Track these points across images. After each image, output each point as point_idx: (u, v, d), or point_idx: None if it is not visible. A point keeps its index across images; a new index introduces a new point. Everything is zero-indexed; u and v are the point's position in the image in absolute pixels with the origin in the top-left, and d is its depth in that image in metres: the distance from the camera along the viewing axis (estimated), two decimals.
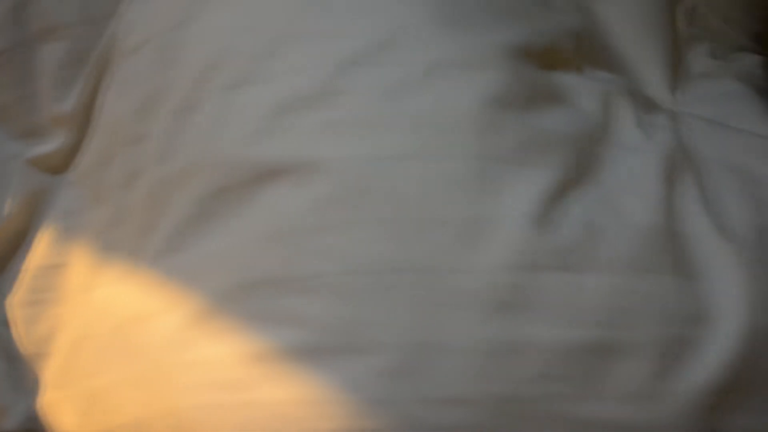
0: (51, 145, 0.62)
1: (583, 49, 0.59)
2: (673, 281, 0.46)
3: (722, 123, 0.59)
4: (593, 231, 0.46)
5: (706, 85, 0.66)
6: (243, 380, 0.45)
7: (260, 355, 0.45)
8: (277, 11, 0.53)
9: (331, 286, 0.45)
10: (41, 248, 0.58)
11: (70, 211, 0.59)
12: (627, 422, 0.43)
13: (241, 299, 0.46)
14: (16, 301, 0.57)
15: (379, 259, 0.45)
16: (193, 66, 0.53)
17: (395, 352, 0.43)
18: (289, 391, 0.44)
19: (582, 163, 0.49)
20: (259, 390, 0.44)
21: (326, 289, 0.45)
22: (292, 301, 0.45)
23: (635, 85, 0.62)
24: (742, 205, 0.50)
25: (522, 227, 0.45)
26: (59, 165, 0.62)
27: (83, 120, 0.61)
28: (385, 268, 0.45)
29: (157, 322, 0.48)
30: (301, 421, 0.43)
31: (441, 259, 0.44)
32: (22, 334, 0.56)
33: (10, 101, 0.63)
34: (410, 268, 0.44)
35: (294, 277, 0.46)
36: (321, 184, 0.47)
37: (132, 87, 0.57)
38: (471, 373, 0.43)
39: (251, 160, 0.48)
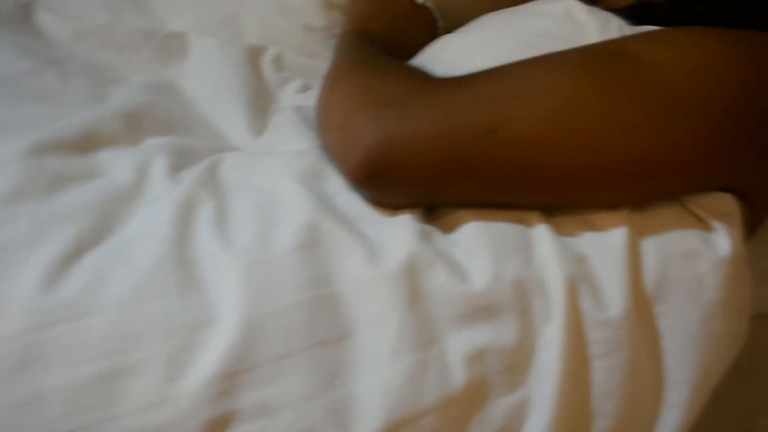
0: None
1: (138, 124, 0.69)
2: (176, 300, 0.52)
3: (265, 150, 0.69)
4: (101, 280, 0.53)
5: (274, 120, 0.76)
6: None
7: None
8: None
9: None
10: None
11: None
12: (148, 428, 0.50)
13: None
14: None
15: None
16: None
17: None
18: None
19: (104, 224, 0.56)
20: None
21: None
22: None
23: (205, 142, 0.71)
24: (251, 217, 0.58)
25: (30, 295, 0.52)
26: None
27: None
28: None
29: None
30: None
31: None
32: None
33: None
34: None
35: None
36: None
37: None
38: None
39: None
